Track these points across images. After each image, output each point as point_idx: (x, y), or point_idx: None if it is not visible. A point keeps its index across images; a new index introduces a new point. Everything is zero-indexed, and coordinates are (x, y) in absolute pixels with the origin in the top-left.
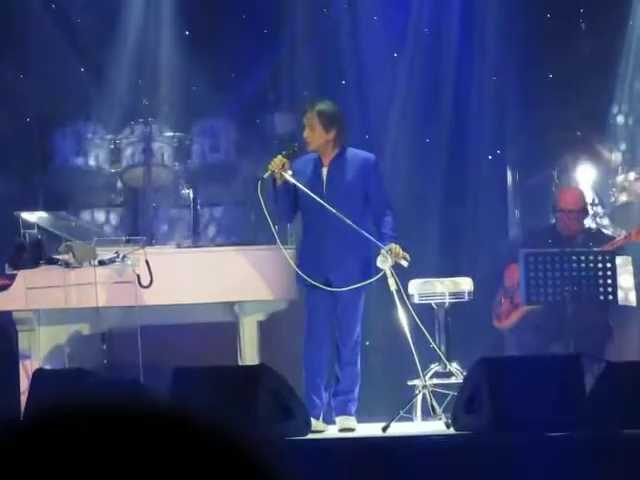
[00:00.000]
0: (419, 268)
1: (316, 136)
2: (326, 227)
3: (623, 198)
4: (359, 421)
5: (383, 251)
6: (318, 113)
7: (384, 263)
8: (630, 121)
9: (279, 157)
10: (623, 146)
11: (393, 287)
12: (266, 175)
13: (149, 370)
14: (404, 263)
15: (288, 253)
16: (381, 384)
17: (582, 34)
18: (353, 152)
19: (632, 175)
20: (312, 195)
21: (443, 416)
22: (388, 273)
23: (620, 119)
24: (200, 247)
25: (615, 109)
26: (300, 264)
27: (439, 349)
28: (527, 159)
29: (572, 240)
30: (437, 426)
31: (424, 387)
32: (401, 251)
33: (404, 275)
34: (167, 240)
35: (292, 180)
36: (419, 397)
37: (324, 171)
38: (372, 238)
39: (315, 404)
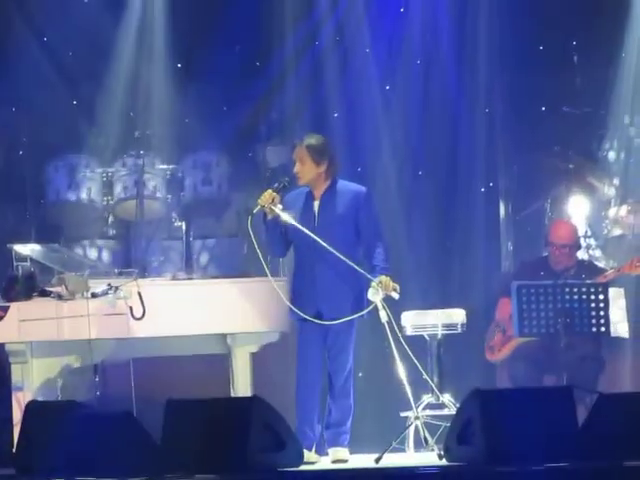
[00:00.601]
0: (412, 300)
1: (306, 170)
2: (317, 260)
3: (616, 231)
4: (352, 452)
5: (374, 284)
6: (307, 148)
7: (375, 295)
8: (622, 154)
9: (269, 191)
10: (615, 179)
11: (384, 319)
12: (256, 210)
13: (142, 402)
14: (395, 295)
15: (280, 285)
16: (373, 415)
17: (575, 67)
18: (344, 184)
19: (624, 208)
20: (302, 229)
21: (435, 447)
22: (379, 305)
23: (612, 154)
24: (192, 279)
25: (607, 144)
26: (293, 297)
27: (431, 380)
28: (520, 192)
29: (564, 272)
30: (429, 457)
31: (416, 418)
32: (391, 283)
33: (397, 306)
34: (160, 272)
35: (282, 214)
36: (412, 428)
37: (315, 204)
38: (361, 271)
39: (308, 435)
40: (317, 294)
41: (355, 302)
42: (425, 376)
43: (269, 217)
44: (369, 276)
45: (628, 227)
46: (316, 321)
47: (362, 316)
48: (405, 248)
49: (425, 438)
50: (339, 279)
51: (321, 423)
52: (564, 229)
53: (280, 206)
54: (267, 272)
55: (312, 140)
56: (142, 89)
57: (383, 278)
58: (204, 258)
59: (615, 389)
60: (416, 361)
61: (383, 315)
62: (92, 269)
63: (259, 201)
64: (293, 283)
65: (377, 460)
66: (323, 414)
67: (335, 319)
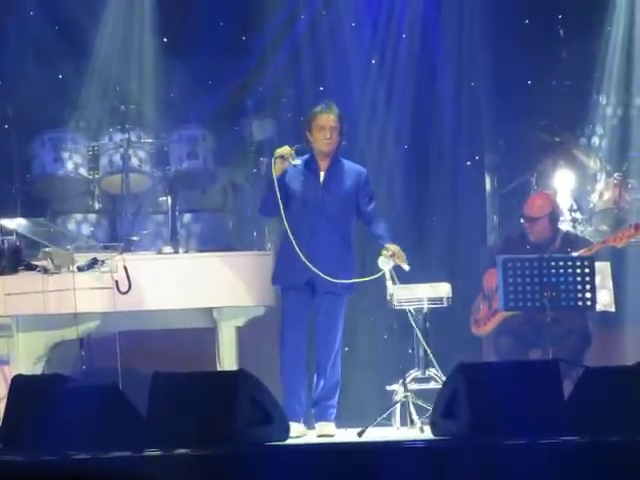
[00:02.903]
0: (398, 274)
1: (334, 140)
2: (318, 227)
3: (602, 204)
4: (338, 427)
5: (385, 251)
6: (339, 117)
7: (385, 264)
8: (608, 128)
9: (286, 147)
10: (601, 153)
11: (390, 290)
12: (276, 157)
13: (128, 376)
14: (405, 267)
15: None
16: (359, 389)
17: (560, 40)
18: (347, 162)
19: (610, 181)
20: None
21: (418, 421)
22: (387, 275)
23: (598, 128)
24: (178, 253)
25: (593, 117)
26: (282, 264)
27: (417, 355)
28: (505, 165)
29: (550, 245)
30: (415, 431)
31: (405, 397)
32: (401, 252)
33: (381, 281)
34: (145, 246)
35: (298, 163)
36: (398, 403)
37: (322, 175)
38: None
39: (294, 408)
40: (313, 261)
41: (348, 273)
42: (419, 349)
43: (278, 172)
44: (383, 242)
45: (614, 200)
46: (328, 278)
47: (354, 290)
48: (390, 222)
49: (411, 419)
50: (337, 247)
51: (307, 395)
52: (535, 202)
53: (298, 160)
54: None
55: (339, 111)
56: (128, 63)
57: (394, 246)
58: (190, 232)
59: (601, 363)
60: (420, 335)
61: (390, 285)
62: (78, 243)
63: (279, 151)
64: (283, 249)
65: (360, 434)
66: (310, 386)
67: (328, 287)
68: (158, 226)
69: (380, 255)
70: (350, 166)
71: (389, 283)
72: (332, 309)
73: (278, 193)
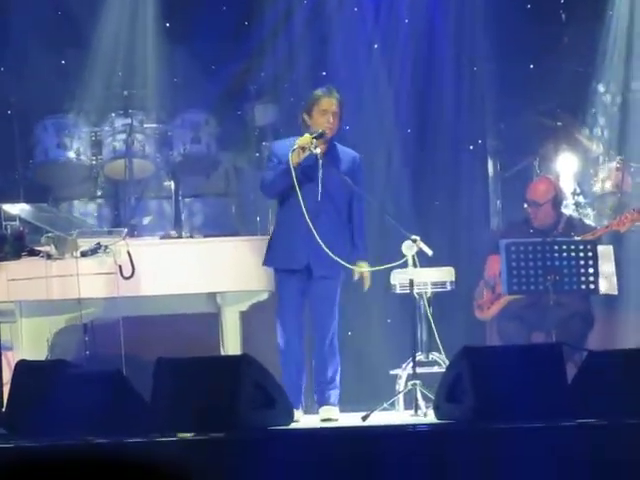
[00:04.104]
0: (401, 258)
1: (335, 124)
2: (321, 211)
3: (604, 188)
4: (341, 411)
5: (411, 239)
6: (340, 102)
7: (409, 249)
8: (611, 112)
9: (307, 136)
10: (604, 137)
11: (411, 276)
12: (296, 147)
13: (131, 361)
14: (429, 252)
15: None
16: (363, 374)
17: (562, 24)
18: (341, 147)
19: (613, 165)
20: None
21: (423, 406)
22: (410, 261)
23: (600, 112)
24: (181, 238)
25: (596, 101)
26: (278, 247)
27: (421, 339)
28: (508, 149)
29: (553, 230)
30: (419, 415)
31: (414, 385)
32: (369, 277)
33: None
34: (149, 231)
35: (319, 156)
36: (401, 387)
37: (319, 160)
38: (400, 227)
39: (294, 395)
40: (313, 245)
41: (348, 257)
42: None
43: (296, 161)
44: (404, 232)
45: (617, 184)
46: (349, 266)
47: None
48: (393, 207)
49: (417, 404)
50: (337, 230)
51: (307, 380)
52: (537, 186)
53: (319, 149)
54: None
55: (340, 96)
56: (131, 48)
57: (365, 265)
58: (193, 217)
59: (604, 346)
60: (424, 320)
61: (411, 271)
62: (81, 228)
63: (301, 141)
64: (282, 231)
65: (364, 418)
66: (309, 370)
67: (327, 272)
68: (161, 211)
69: (405, 240)
70: (345, 150)
71: (410, 269)
72: (329, 293)
73: (289, 180)
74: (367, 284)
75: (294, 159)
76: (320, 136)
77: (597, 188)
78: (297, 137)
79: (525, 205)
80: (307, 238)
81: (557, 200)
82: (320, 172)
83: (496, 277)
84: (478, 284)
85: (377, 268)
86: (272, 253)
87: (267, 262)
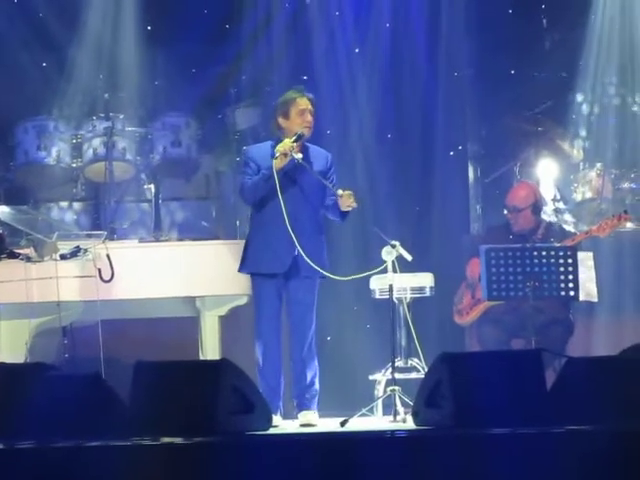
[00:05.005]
0: (381, 263)
1: (312, 123)
2: (300, 212)
3: (584, 194)
4: (321, 416)
5: (390, 244)
6: (313, 100)
7: (389, 255)
8: (591, 118)
9: (287, 141)
10: (584, 143)
11: (390, 281)
12: (278, 155)
13: (110, 364)
14: (408, 257)
15: None
16: (342, 379)
17: (544, 29)
18: (312, 147)
19: (593, 171)
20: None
21: (402, 412)
22: (389, 267)
23: (581, 118)
24: (161, 242)
25: (576, 107)
26: (257, 251)
27: (400, 344)
28: (488, 155)
29: (533, 235)
30: (397, 422)
31: (393, 390)
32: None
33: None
34: (128, 235)
35: (300, 159)
36: (381, 392)
37: (301, 163)
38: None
39: (272, 400)
40: (293, 248)
41: (323, 258)
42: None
43: (279, 167)
44: (383, 236)
45: (597, 190)
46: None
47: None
48: (373, 211)
49: (396, 410)
50: (314, 231)
51: (285, 385)
52: (517, 192)
53: (300, 155)
54: None
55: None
56: (112, 51)
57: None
58: (173, 220)
59: (583, 353)
60: (412, 328)
61: (390, 277)
62: (61, 231)
63: (281, 147)
64: (260, 235)
65: (343, 424)
66: (287, 375)
67: (309, 273)
68: (141, 214)
69: (384, 247)
70: (317, 150)
71: (390, 275)
72: (307, 296)
73: (278, 187)
74: (348, 201)
75: (277, 165)
76: (299, 139)
77: (577, 194)
78: (271, 142)
79: (505, 211)
80: (289, 241)
81: (537, 206)
82: (299, 175)
83: (476, 281)
84: (458, 289)
85: (357, 276)
86: (251, 258)
87: (246, 267)
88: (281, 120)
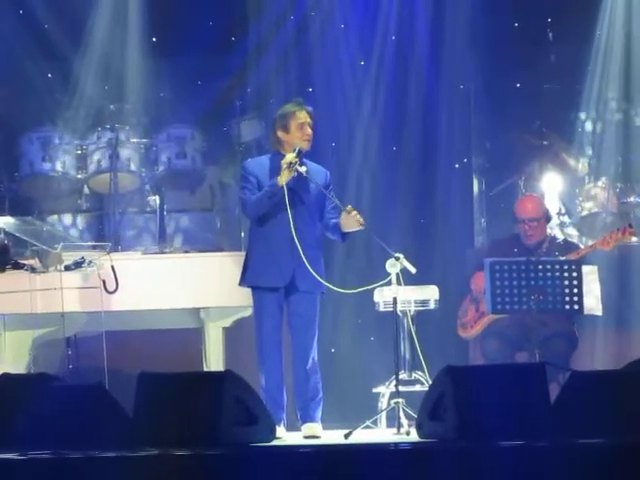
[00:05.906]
0: (385, 276)
1: (312, 136)
2: (301, 226)
3: (589, 208)
4: (325, 428)
5: (395, 256)
6: (311, 113)
7: (393, 267)
8: (596, 132)
9: (290, 155)
10: (589, 156)
11: (394, 294)
12: (285, 169)
13: (114, 375)
14: (412, 270)
15: None
16: (346, 391)
17: (550, 43)
18: (311, 163)
19: (598, 185)
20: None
21: (406, 424)
22: (394, 279)
23: (586, 131)
24: (166, 253)
25: (581, 121)
26: (258, 266)
27: (404, 357)
28: (493, 168)
29: (537, 249)
30: (400, 434)
31: (396, 403)
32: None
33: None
34: (133, 246)
35: (304, 172)
36: (384, 404)
37: (304, 177)
38: (384, 245)
39: (275, 412)
40: (295, 262)
41: (321, 271)
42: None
43: (283, 181)
44: (388, 249)
45: (602, 204)
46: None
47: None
48: (377, 224)
49: (400, 423)
50: (313, 245)
51: (288, 397)
52: (529, 203)
53: (304, 167)
54: None
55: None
56: (117, 63)
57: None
58: (178, 232)
59: (587, 366)
60: (408, 338)
61: (394, 289)
62: (65, 242)
63: (286, 160)
64: (262, 250)
65: (347, 436)
66: (289, 386)
67: (310, 287)
68: (146, 226)
69: (388, 259)
70: (315, 166)
71: (394, 287)
72: (309, 308)
73: (287, 200)
74: (355, 219)
75: (283, 179)
76: (300, 153)
77: (582, 208)
78: (269, 155)
79: (517, 223)
80: (291, 254)
81: (548, 215)
82: (300, 189)
83: (481, 295)
84: (462, 302)
85: (361, 289)
86: (252, 271)
87: (246, 281)
88: (280, 133)
